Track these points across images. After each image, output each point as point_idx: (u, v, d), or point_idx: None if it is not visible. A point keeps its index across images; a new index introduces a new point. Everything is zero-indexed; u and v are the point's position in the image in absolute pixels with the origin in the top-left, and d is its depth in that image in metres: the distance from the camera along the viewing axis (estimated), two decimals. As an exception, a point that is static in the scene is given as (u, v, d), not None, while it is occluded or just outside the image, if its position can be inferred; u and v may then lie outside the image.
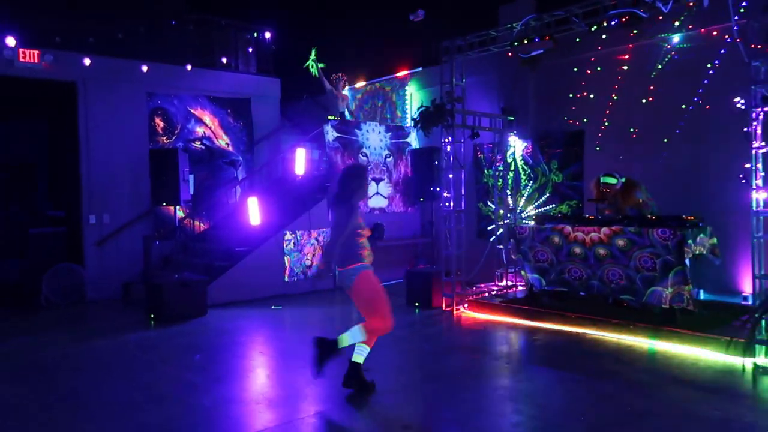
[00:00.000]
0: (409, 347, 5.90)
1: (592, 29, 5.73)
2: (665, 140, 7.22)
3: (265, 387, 4.74)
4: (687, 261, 5.78)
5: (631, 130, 7.49)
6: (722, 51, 6.69)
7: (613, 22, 5.51)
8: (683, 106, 7.08)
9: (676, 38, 7.08)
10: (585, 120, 8.05)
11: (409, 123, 10.13)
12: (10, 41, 7.96)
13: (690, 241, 5.67)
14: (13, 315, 7.77)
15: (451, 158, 7.34)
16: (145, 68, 9.03)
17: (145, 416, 4.06)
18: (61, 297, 8.38)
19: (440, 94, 7.42)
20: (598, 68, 7.88)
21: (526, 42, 6.33)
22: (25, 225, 10.44)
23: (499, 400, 4.34)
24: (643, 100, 7.44)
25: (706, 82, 6.89)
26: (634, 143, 7.49)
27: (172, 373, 5.09)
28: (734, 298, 6.67)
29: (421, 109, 7.40)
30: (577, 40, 7.71)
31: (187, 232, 9.64)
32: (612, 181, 6.50)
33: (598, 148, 7.78)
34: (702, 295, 6.73)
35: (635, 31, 7.11)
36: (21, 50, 8.16)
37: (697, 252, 5.82)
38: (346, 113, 10.27)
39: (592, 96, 7.99)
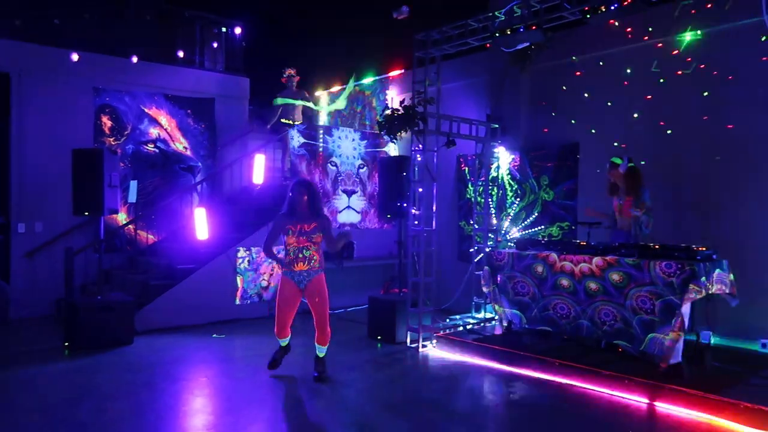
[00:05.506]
0: (348, 397, 4.82)
1: (587, 16, 4.71)
2: (674, 157, 6.18)
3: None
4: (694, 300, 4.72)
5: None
6: (744, 52, 5.68)
7: (612, 7, 4.49)
8: (700, 117, 6.08)
9: (688, 36, 6.07)
10: (592, 131, 7.00)
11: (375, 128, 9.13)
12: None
13: (703, 279, 4.59)
14: None
15: (420, 169, 6.30)
16: (76, 57, 7.98)
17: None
18: (-22, 315, 7.35)
19: (413, 94, 6.41)
20: (599, 72, 6.86)
21: (509, 32, 5.32)
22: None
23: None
24: (650, 110, 6.42)
25: (722, 88, 5.87)
26: (638, 160, 6.44)
27: (32, 428, 4.02)
28: (750, 343, 5.60)
29: (387, 112, 6.38)
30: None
31: (135, 245, 8.62)
32: (616, 161, 5.69)
33: (598, 171, 6.70)
34: (712, 340, 5.64)
35: (650, 29, 6.12)
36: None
37: (713, 291, 4.74)
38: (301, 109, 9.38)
39: (590, 104, 6.96)
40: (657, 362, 4.79)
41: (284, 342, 5.15)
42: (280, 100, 9.52)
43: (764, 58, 5.59)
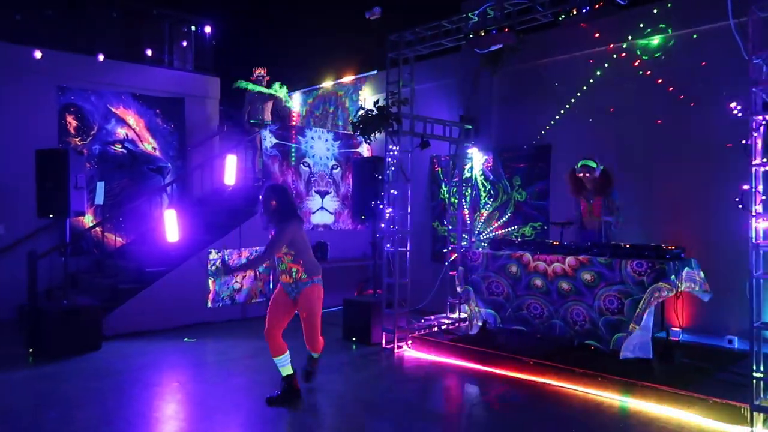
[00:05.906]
0: (324, 399, 4.77)
1: (560, 18, 4.77)
2: (643, 157, 6.30)
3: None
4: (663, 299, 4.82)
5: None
6: (708, 55, 5.83)
7: (584, 10, 4.55)
8: (660, 120, 6.21)
9: (656, 39, 6.19)
10: (550, 125, 7.09)
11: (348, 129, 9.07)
12: None
13: (672, 277, 4.68)
14: None
15: (395, 170, 6.29)
16: (39, 54, 7.76)
17: None
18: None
19: (386, 95, 6.40)
20: (570, 74, 6.95)
21: (483, 34, 5.34)
22: None
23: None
24: (620, 112, 6.53)
25: (689, 90, 6.01)
26: (608, 161, 6.54)
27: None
28: (717, 340, 5.74)
29: (361, 112, 6.35)
30: (553, 41, 6.82)
31: (102, 248, 8.40)
32: (592, 164, 5.73)
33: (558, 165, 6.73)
34: (681, 337, 5.77)
35: (623, 33, 6.23)
36: None
37: (683, 288, 4.84)
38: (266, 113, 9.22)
39: (561, 106, 7.05)
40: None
41: (284, 365, 4.53)
42: (243, 84, 9.22)
43: (702, 63, 5.76)
